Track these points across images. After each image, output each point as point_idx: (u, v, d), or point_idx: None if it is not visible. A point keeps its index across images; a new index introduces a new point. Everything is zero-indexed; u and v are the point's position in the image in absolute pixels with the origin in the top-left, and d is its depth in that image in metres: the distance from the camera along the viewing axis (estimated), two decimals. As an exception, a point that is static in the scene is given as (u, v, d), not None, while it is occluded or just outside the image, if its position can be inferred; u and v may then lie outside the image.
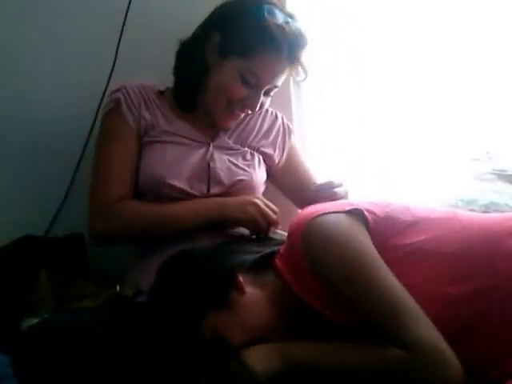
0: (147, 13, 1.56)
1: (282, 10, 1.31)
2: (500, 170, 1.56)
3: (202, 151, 1.34)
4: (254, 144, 1.42)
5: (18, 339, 1.02)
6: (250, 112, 1.36)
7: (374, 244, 0.98)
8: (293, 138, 1.52)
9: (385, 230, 1.01)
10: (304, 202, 1.34)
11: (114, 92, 1.38)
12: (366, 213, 1.01)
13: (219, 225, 1.27)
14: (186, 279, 1.03)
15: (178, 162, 1.30)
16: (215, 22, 1.33)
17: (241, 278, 1.02)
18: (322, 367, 0.94)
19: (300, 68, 1.36)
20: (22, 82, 1.58)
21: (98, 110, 1.53)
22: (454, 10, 1.61)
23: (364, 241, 0.98)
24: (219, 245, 1.15)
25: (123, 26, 1.54)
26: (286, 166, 1.49)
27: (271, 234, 1.28)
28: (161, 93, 1.42)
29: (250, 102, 1.32)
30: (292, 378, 0.95)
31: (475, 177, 1.55)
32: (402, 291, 0.92)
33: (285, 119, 1.51)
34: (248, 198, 1.29)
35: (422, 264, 0.97)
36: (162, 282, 1.06)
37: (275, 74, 1.30)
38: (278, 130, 1.48)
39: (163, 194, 1.28)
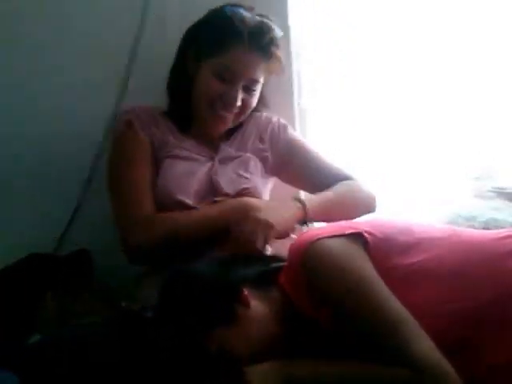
0: (161, 30, 1.60)
1: (246, 9, 1.39)
2: (499, 188, 1.58)
3: (207, 165, 1.40)
4: (252, 148, 1.47)
5: (20, 357, 1.05)
6: (231, 109, 1.38)
7: (374, 265, 0.99)
8: (290, 131, 1.54)
9: (385, 251, 1.01)
10: (322, 189, 1.41)
11: (124, 114, 1.44)
12: (365, 235, 1.02)
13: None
14: (191, 295, 1.04)
15: (186, 176, 1.36)
16: (188, 39, 1.43)
17: (246, 292, 1.03)
18: None
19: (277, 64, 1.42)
20: (31, 102, 1.62)
21: (107, 130, 1.59)
22: (453, 11, 1.64)
23: (362, 264, 0.99)
24: (221, 260, 1.15)
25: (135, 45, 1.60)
26: (290, 158, 1.51)
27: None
28: (165, 114, 1.47)
29: (228, 98, 1.36)
30: None
31: (475, 194, 1.57)
32: (402, 311, 0.93)
33: (280, 119, 1.55)
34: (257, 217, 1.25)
35: (423, 283, 0.98)
36: (167, 297, 1.07)
37: (247, 65, 1.36)
38: (273, 129, 1.52)
39: (172, 209, 1.32)
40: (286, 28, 1.57)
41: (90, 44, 1.60)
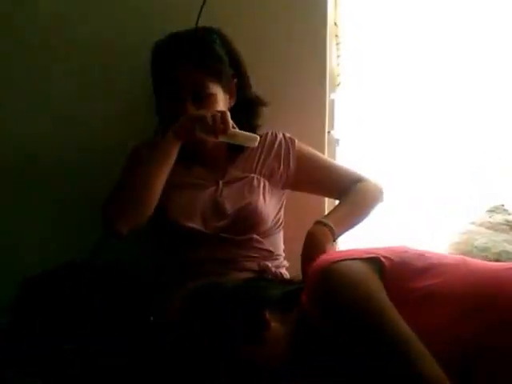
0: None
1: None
2: (512, 222, 1.63)
3: (212, 189, 1.47)
4: (259, 167, 1.52)
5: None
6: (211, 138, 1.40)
7: (389, 288, 1.03)
8: (297, 145, 1.57)
9: (400, 275, 1.06)
10: (338, 193, 1.53)
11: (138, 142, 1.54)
12: (382, 259, 1.07)
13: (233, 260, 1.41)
14: (216, 315, 1.08)
15: (191, 202, 1.43)
16: None
17: (267, 315, 1.07)
18: None
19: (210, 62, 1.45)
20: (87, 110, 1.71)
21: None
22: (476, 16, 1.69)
23: (375, 288, 1.03)
24: (245, 280, 1.22)
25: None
26: (302, 171, 1.56)
27: None
28: None
29: (179, 111, 1.41)
30: None
31: (490, 227, 1.63)
32: (408, 333, 0.96)
33: (286, 134, 1.58)
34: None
35: (435, 306, 1.02)
36: (187, 316, 1.12)
37: (179, 78, 1.42)
38: (280, 145, 1.55)
39: (180, 234, 1.41)
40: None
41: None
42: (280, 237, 1.55)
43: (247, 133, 1.41)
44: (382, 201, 1.54)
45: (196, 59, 1.41)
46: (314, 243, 1.35)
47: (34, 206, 1.74)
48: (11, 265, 1.69)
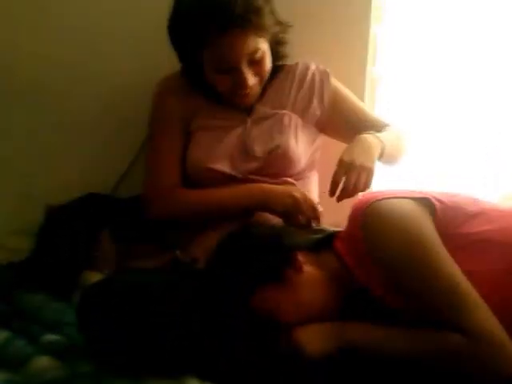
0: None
1: None
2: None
3: (240, 129, 1.38)
4: (290, 103, 1.41)
5: (84, 294, 1.05)
6: (246, 89, 1.31)
7: (438, 232, 0.98)
8: (332, 79, 1.45)
9: (451, 219, 1.00)
10: None
11: (157, 86, 1.44)
12: (433, 201, 1.01)
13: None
14: (244, 250, 1.05)
15: (217, 144, 1.35)
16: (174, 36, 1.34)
17: (300, 257, 1.03)
18: (375, 349, 0.95)
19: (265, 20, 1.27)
20: (95, 45, 1.62)
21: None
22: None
23: (426, 227, 0.98)
24: (278, 227, 1.17)
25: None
26: (336, 110, 1.44)
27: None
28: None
29: (238, 86, 1.30)
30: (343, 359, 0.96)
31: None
32: (463, 279, 0.92)
33: (319, 66, 1.45)
34: (289, 189, 1.29)
35: (486, 254, 0.97)
36: (221, 251, 1.09)
37: (233, 47, 1.24)
38: (313, 78, 1.44)
39: (205, 178, 1.34)
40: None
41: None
42: (314, 180, 1.47)
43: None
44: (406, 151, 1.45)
45: (245, 19, 1.23)
46: (365, 146, 1.23)
47: (62, 135, 1.69)
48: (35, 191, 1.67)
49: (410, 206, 1.00)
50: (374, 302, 1.02)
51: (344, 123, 1.44)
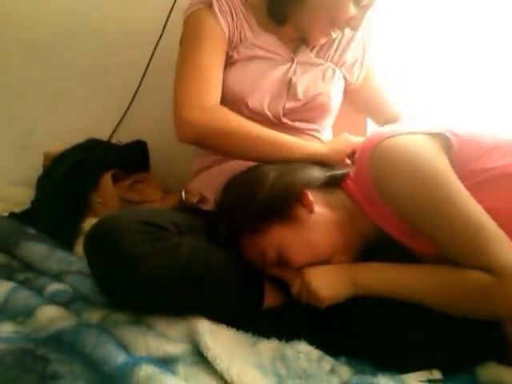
0: None
1: None
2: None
3: (285, 67, 1.31)
4: (336, 59, 1.37)
5: (93, 226, 0.95)
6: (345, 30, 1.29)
7: (455, 168, 0.92)
8: (371, 54, 1.44)
9: (468, 153, 0.93)
10: (382, 122, 1.40)
11: None
12: (449, 135, 0.94)
13: None
14: (250, 189, 1.00)
15: (260, 78, 1.27)
16: None
17: (310, 196, 0.98)
18: (392, 290, 0.90)
19: None
20: None
21: (166, 23, 1.55)
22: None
23: (439, 162, 0.92)
24: (289, 164, 1.09)
25: None
26: (364, 82, 1.45)
27: None
28: (246, 1, 1.33)
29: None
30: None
31: None
32: (483, 213, 0.87)
33: (366, 32, 1.41)
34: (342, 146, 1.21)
35: (505, 189, 0.91)
36: (229, 188, 1.06)
37: None
38: (358, 43, 1.41)
39: (240, 112, 1.22)
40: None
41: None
42: (331, 131, 1.44)
43: None
44: None
45: None
46: None
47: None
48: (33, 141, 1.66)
49: (421, 142, 0.94)
50: (394, 246, 0.97)
51: (367, 96, 1.47)
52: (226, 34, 1.26)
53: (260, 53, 1.30)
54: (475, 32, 1.54)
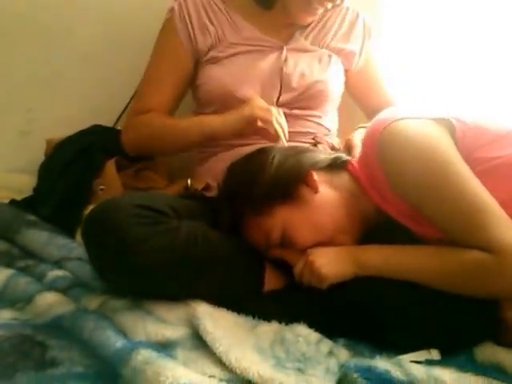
0: None
1: None
2: None
3: (274, 56, 1.28)
4: (332, 45, 1.35)
5: (91, 211, 0.95)
6: (329, 6, 1.26)
7: (462, 155, 0.91)
8: (372, 41, 1.41)
9: (473, 141, 0.93)
10: (372, 111, 1.34)
11: (174, 2, 1.31)
12: (453, 121, 0.93)
13: None
14: (257, 169, 1.00)
15: (247, 71, 1.25)
16: None
17: (315, 176, 0.98)
18: (393, 270, 0.90)
19: None
20: None
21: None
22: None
23: (446, 145, 0.91)
24: (296, 146, 1.11)
25: None
26: (361, 70, 1.42)
27: None
28: None
29: None
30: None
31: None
32: (486, 194, 0.87)
33: (366, 19, 1.40)
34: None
35: (509, 179, 0.91)
36: (233, 170, 1.05)
37: None
38: (359, 30, 1.38)
39: (231, 106, 1.21)
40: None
41: None
42: (336, 114, 1.41)
43: None
44: None
45: None
46: None
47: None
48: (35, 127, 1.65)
49: (427, 127, 0.93)
50: (398, 227, 0.97)
51: (365, 87, 1.45)
52: (188, 46, 1.28)
53: (242, 49, 1.28)
54: (476, 28, 1.52)
